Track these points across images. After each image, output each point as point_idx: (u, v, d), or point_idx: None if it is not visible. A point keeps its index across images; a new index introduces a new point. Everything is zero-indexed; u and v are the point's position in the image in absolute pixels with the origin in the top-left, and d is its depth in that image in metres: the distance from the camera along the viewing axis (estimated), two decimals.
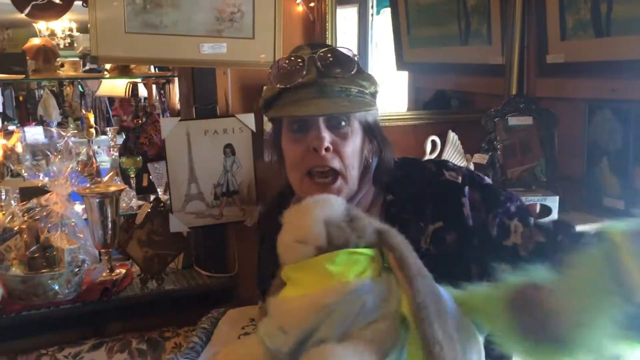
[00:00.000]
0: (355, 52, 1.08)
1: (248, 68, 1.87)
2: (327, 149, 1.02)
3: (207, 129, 1.84)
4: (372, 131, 1.09)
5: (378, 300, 0.73)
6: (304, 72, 1.03)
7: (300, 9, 1.94)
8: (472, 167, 1.88)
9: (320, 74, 1.02)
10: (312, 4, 1.94)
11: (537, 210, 1.81)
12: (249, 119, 1.88)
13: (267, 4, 1.81)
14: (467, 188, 1.08)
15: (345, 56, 1.04)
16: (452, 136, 1.91)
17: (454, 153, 1.87)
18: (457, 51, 2.57)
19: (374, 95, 1.08)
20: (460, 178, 1.10)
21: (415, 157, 1.30)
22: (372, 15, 3.05)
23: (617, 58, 1.89)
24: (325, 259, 0.75)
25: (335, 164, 1.04)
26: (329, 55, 1.03)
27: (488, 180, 1.14)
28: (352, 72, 1.03)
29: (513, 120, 2.02)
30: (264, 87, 1.17)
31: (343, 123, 1.04)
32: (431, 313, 0.70)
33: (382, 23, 3.05)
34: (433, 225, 1.05)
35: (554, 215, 1.81)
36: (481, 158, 1.91)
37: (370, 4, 3.04)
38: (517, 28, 2.18)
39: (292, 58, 1.06)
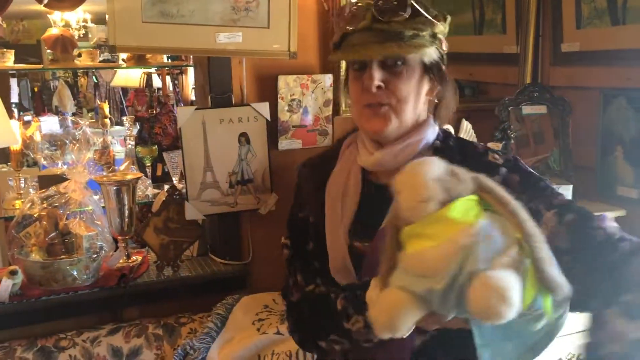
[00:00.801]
0: None
1: (263, 57, 1.88)
2: (378, 87, 1.08)
3: (222, 117, 1.86)
4: (430, 71, 1.11)
5: (500, 232, 0.83)
6: (361, 18, 1.08)
7: None
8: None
9: (374, 20, 1.07)
10: None
11: None
12: (264, 108, 1.90)
13: None
14: (504, 169, 1.13)
15: (397, 2, 1.06)
16: (466, 125, 1.91)
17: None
18: (471, 40, 2.56)
19: (433, 36, 1.09)
20: (501, 160, 1.15)
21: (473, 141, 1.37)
22: None
23: (633, 46, 1.88)
24: (446, 211, 0.83)
25: (388, 99, 1.09)
26: (381, 1, 1.07)
27: (532, 170, 1.16)
28: (406, 16, 1.05)
29: (527, 109, 2.02)
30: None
31: (399, 63, 1.08)
32: (538, 237, 0.82)
33: None
34: None
35: None
36: (494, 146, 1.91)
37: None
38: (532, 17, 2.17)
39: (353, 6, 1.11)
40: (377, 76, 1.07)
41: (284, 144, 1.98)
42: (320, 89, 1.97)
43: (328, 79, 1.97)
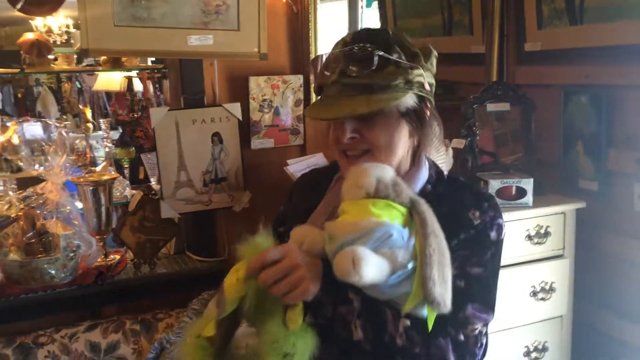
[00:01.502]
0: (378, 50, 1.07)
1: (234, 59, 1.93)
2: (351, 138, 1.10)
3: (195, 118, 1.91)
4: (407, 116, 1.10)
5: (400, 237, 1.00)
6: (329, 73, 1.09)
7: (283, 0, 2.00)
8: (450, 151, 1.95)
9: (341, 74, 1.07)
10: None
11: (513, 192, 1.89)
12: (236, 108, 1.95)
13: None
14: (472, 231, 1.14)
15: (363, 54, 1.05)
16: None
17: (432, 138, 1.93)
18: (441, 41, 2.63)
19: (409, 82, 1.06)
20: (477, 221, 1.14)
21: (466, 181, 1.37)
22: (362, 7, 3.12)
23: (590, 45, 1.95)
24: (370, 202, 1.01)
25: (363, 146, 1.10)
26: (348, 55, 1.06)
27: (498, 236, 1.17)
28: (373, 68, 1.04)
29: (491, 107, 2.08)
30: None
31: (372, 112, 1.07)
32: (433, 260, 0.98)
33: (372, 16, 3.12)
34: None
35: (529, 196, 1.88)
36: (459, 143, 1.98)
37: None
38: (497, 17, 2.24)
39: (330, 54, 1.11)
40: (349, 128, 1.08)
41: (256, 143, 2.04)
42: (291, 89, 2.03)
43: (298, 79, 2.04)
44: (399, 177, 1.09)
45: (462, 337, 1.09)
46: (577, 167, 2.04)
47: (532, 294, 1.92)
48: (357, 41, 1.08)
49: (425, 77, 1.10)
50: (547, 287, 1.94)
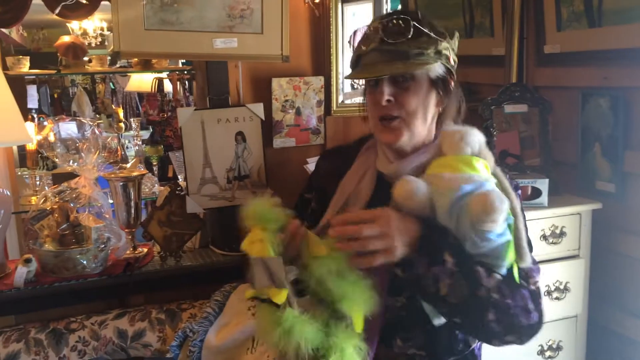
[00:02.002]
0: (419, 17, 1.20)
1: (258, 61, 2.01)
2: (388, 101, 1.19)
3: (220, 117, 1.99)
4: (435, 85, 1.22)
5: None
6: (371, 39, 1.19)
7: (306, 4, 2.07)
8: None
9: (382, 41, 1.17)
10: (317, 0, 2.07)
11: (529, 192, 1.92)
12: (259, 108, 2.03)
13: (275, 1, 1.95)
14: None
15: (402, 25, 1.16)
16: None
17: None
18: (462, 43, 2.64)
19: (438, 52, 1.18)
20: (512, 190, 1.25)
21: None
22: (386, 10, 3.17)
23: (609, 47, 1.97)
24: (474, 159, 1.13)
25: (397, 112, 1.20)
26: (388, 24, 1.17)
27: (520, 202, 1.27)
28: (409, 36, 1.15)
29: (509, 108, 2.12)
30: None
31: (407, 78, 1.19)
32: (522, 219, 1.17)
33: None
34: None
35: (544, 196, 1.91)
36: None
37: (384, 0, 3.17)
38: (516, 20, 2.27)
39: (367, 28, 1.24)
40: (387, 91, 1.18)
41: (278, 142, 2.11)
42: (312, 91, 2.10)
43: (319, 80, 2.10)
44: (418, 153, 1.24)
45: (533, 287, 1.20)
46: (595, 169, 2.05)
47: (546, 293, 1.94)
48: (395, 15, 1.20)
49: (451, 52, 1.23)
50: (562, 287, 1.96)
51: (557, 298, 1.96)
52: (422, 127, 1.22)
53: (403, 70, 1.16)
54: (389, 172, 1.25)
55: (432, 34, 1.17)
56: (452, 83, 1.26)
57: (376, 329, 1.20)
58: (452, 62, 1.24)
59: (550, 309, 1.96)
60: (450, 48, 1.22)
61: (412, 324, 1.23)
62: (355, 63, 1.25)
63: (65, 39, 2.31)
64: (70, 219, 1.97)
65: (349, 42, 1.29)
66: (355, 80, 1.85)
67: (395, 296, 1.21)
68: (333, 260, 1.07)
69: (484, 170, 1.10)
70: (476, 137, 1.13)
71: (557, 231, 1.93)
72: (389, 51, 1.17)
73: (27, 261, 1.89)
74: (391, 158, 1.25)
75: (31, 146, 2.30)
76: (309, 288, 1.08)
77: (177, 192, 2.10)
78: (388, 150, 1.26)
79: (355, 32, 1.27)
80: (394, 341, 1.24)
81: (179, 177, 2.65)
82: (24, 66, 2.43)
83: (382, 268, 1.16)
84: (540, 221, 1.91)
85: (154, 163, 2.50)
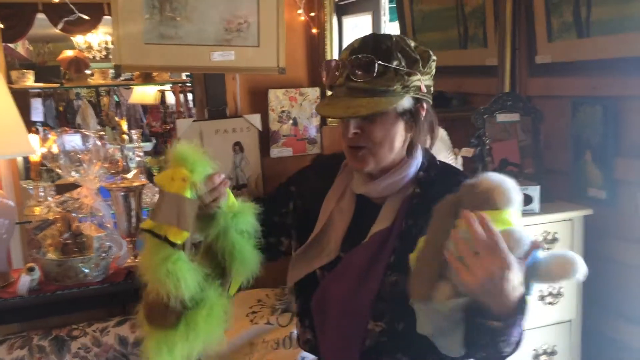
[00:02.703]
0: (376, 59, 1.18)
1: (254, 73, 2.06)
2: (355, 133, 1.21)
3: (217, 128, 2.04)
4: (403, 115, 1.22)
5: None
6: (337, 75, 1.21)
7: (302, 18, 2.13)
8: (460, 160, 2.03)
9: (347, 78, 1.19)
10: (312, 14, 2.13)
11: None
12: (256, 119, 2.08)
13: (271, 15, 2.00)
14: None
15: (366, 63, 1.17)
16: (441, 132, 2.06)
17: (442, 147, 2.02)
18: (457, 54, 2.72)
19: (406, 87, 1.17)
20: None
21: (458, 168, 1.47)
22: (384, 22, 3.23)
23: (597, 57, 2.02)
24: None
25: (364, 142, 1.22)
26: (354, 62, 1.18)
27: None
28: (374, 75, 1.16)
29: (501, 117, 2.16)
30: None
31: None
32: None
33: (396, 29, 3.23)
34: None
35: (536, 203, 1.95)
36: (467, 152, 2.06)
37: (382, 12, 3.23)
38: (508, 31, 2.32)
39: (334, 61, 1.25)
40: (353, 125, 1.20)
41: (275, 152, 2.16)
42: (308, 101, 2.15)
43: (315, 91, 2.15)
44: (387, 177, 1.25)
45: None
46: (586, 176, 2.09)
47: (540, 298, 1.98)
48: (362, 49, 1.20)
49: (423, 80, 1.21)
50: (555, 292, 1.99)
51: (550, 303, 1.99)
52: (389, 154, 1.24)
53: (365, 113, 1.17)
54: (362, 193, 1.28)
55: (399, 69, 1.17)
56: (423, 111, 1.25)
57: (355, 354, 1.23)
58: (423, 90, 1.22)
59: (544, 313, 1.99)
60: (421, 78, 1.20)
61: (392, 349, 1.24)
62: (330, 89, 1.27)
63: (68, 53, 2.38)
64: (73, 229, 2.02)
65: (320, 70, 1.30)
66: None
67: (376, 321, 1.23)
68: (245, 220, 1.13)
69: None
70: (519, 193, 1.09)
71: (550, 237, 1.97)
72: (355, 88, 1.18)
73: (31, 270, 1.94)
74: (363, 179, 1.28)
75: (35, 158, 2.35)
76: (205, 241, 1.13)
77: None
78: (359, 173, 1.29)
79: (329, 61, 1.26)
80: (383, 315, 1.25)
81: None
82: (29, 80, 2.49)
83: (366, 292, 1.21)
84: (532, 227, 1.94)
85: (155, 173, 2.55)
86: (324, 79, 1.25)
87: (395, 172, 1.26)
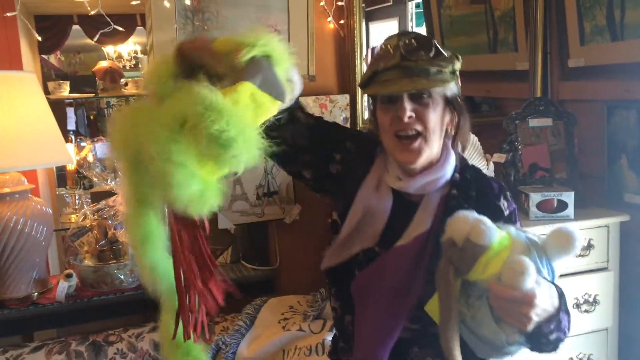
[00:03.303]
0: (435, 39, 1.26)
1: None
2: (409, 117, 1.21)
3: None
4: (451, 103, 1.25)
5: None
6: (391, 57, 1.22)
7: (331, 26, 2.14)
8: (492, 166, 2.01)
9: (402, 58, 1.20)
10: (342, 21, 2.14)
11: (554, 205, 1.93)
12: None
13: (301, 23, 2.02)
14: (502, 221, 1.24)
15: (424, 42, 1.21)
16: (472, 137, 2.05)
17: (474, 153, 2.01)
18: (486, 59, 2.70)
19: (453, 73, 1.21)
20: (507, 212, 1.30)
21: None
22: (411, 27, 3.23)
23: (631, 60, 1.98)
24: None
25: (418, 127, 1.22)
26: (412, 41, 1.21)
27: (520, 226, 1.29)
28: (431, 55, 1.19)
29: (534, 122, 2.14)
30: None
31: (425, 95, 1.21)
32: None
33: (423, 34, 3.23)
34: None
35: (571, 209, 1.92)
36: (499, 157, 2.04)
37: (409, 17, 3.23)
38: (540, 35, 2.30)
39: (382, 46, 1.27)
40: (409, 107, 1.20)
41: None
42: (338, 108, 2.16)
43: (345, 98, 2.16)
44: (433, 171, 1.25)
45: None
46: (622, 181, 2.06)
47: (575, 306, 1.95)
48: (413, 34, 1.24)
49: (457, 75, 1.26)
50: (591, 300, 1.96)
51: (586, 311, 1.96)
52: (438, 145, 1.25)
53: (427, 86, 1.20)
54: (397, 188, 1.27)
55: (448, 54, 1.22)
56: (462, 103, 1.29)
57: (387, 349, 1.22)
58: (459, 84, 1.27)
59: (580, 321, 1.96)
60: (458, 70, 1.25)
61: (423, 353, 1.26)
62: (369, 79, 1.27)
63: (103, 64, 2.43)
64: (109, 236, 2.06)
65: (364, 59, 1.31)
66: None
67: (412, 323, 1.23)
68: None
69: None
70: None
71: (585, 244, 1.94)
72: (409, 68, 1.20)
73: (68, 276, 1.98)
74: (399, 174, 1.27)
75: (71, 167, 2.41)
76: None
77: None
78: (397, 166, 1.27)
79: (372, 49, 1.31)
80: (410, 350, 1.26)
81: None
82: (65, 90, 2.55)
83: (409, 297, 1.20)
84: None
85: None
86: (372, 62, 1.26)
87: (433, 170, 1.25)
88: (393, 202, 1.27)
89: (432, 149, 1.24)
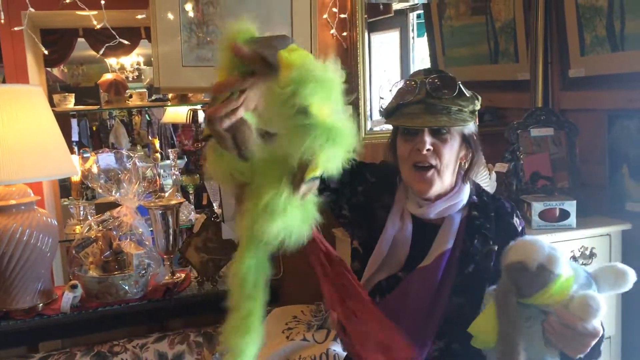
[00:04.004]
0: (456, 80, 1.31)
1: None
2: (427, 150, 1.28)
3: None
4: (467, 141, 1.33)
5: None
6: (416, 92, 1.30)
7: (334, 38, 2.16)
8: (494, 175, 2.03)
9: (427, 95, 1.28)
10: (344, 33, 2.16)
11: (557, 214, 1.94)
12: None
13: (304, 34, 2.05)
14: (518, 235, 1.36)
15: (449, 83, 1.28)
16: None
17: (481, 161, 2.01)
18: (487, 69, 2.73)
19: (472, 112, 1.29)
20: (519, 228, 1.39)
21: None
22: (413, 38, 3.26)
23: (632, 70, 2.00)
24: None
25: (433, 161, 1.29)
26: (437, 80, 1.28)
27: None
28: (453, 95, 1.27)
29: (535, 132, 2.15)
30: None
31: (444, 131, 1.29)
32: None
33: (421, 45, 3.26)
34: (494, 246, 1.33)
35: (573, 218, 1.93)
36: (501, 167, 2.06)
37: (410, 28, 3.26)
38: (540, 45, 2.32)
39: (409, 81, 1.34)
40: (428, 140, 1.27)
41: None
42: None
43: (348, 109, 2.18)
44: (447, 199, 1.32)
45: None
46: (624, 190, 2.07)
47: None
48: (440, 73, 1.31)
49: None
50: None
51: None
52: (451, 177, 1.32)
53: (447, 124, 1.26)
54: (419, 215, 1.34)
55: (470, 95, 1.29)
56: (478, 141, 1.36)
57: (434, 328, 1.27)
58: (477, 122, 1.35)
59: None
60: (477, 109, 1.33)
61: (449, 357, 1.29)
62: (393, 110, 1.33)
63: (108, 76, 2.45)
64: (113, 247, 2.07)
65: (390, 90, 1.37)
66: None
67: (437, 339, 1.27)
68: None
69: None
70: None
71: (587, 252, 1.95)
72: (432, 105, 1.27)
73: (73, 287, 1.99)
74: (419, 202, 1.33)
75: (75, 178, 2.43)
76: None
77: (213, 219, 2.18)
78: (416, 194, 1.34)
79: (397, 82, 1.37)
80: (444, 335, 1.29)
81: (214, 204, 2.74)
82: (70, 103, 2.58)
83: (435, 315, 1.25)
84: (569, 243, 1.93)
85: (191, 191, 2.60)
86: (398, 94, 1.32)
87: (452, 196, 1.33)
88: (415, 227, 1.34)
89: (444, 182, 1.31)
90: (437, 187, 1.30)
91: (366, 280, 1.33)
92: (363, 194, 1.38)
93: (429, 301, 1.26)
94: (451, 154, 1.29)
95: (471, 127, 1.31)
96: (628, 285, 1.11)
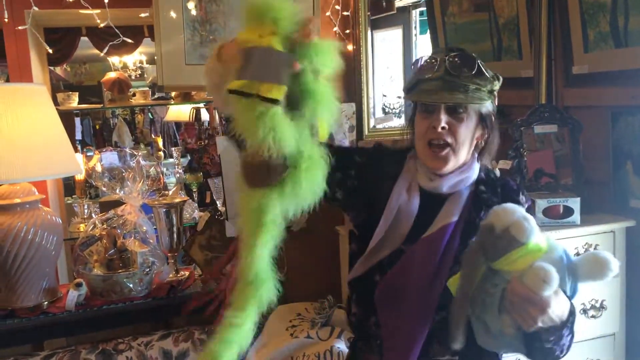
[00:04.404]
0: (478, 58, 1.32)
1: None
2: (443, 128, 1.28)
3: None
4: (484, 120, 1.33)
5: None
6: (435, 69, 1.30)
7: (337, 35, 2.16)
8: (497, 172, 2.02)
9: (446, 72, 1.28)
10: (347, 31, 2.16)
11: (560, 211, 1.94)
12: None
13: None
14: None
15: (468, 61, 1.29)
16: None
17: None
18: (491, 66, 2.68)
19: (491, 92, 1.30)
20: (525, 206, 1.39)
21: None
22: (415, 35, 3.26)
23: (636, 66, 1.99)
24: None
25: (449, 139, 1.29)
26: (456, 59, 1.29)
27: None
28: (472, 73, 1.27)
29: (539, 129, 2.15)
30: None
31: (460, 110, 1.29)
32: None
33: (424, 42, 3.26)
34: None
35: (577, 215, 1.93)
36: (505, 164, 2.05)
37: (413, 26, 3.26)
38: (544, 42, 2.31)
39: (429, 58, 1.34)
40: (444, 119, 1.28)
41: None
42: (344, 117, 2.18)
43: (351, 107, 2.18)
44: (458, 173, 1.33)
45: None
46: (628, 187, 2.06)
47: (582, 312, 1.95)
48: (461, 51, 1.31)
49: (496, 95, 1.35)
50: (598, 305, 1.96)
51: (593, 316, 1.96)
52: (465, 155, 1.32)
53: (463, 102, 1.27)
54: (429, 189, 1.34)
55: (489, 74, 1.31)
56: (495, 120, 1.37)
57: (419, 342, 1.26)
58: (496, 102, 1.36)
59: (587, 327, 1.96)
60: (497, 90, 1.34)
61: (446, 338, 1.28)
62: (413, 86, 1.34)
63: (111, 74, 2.46)
64: (118, 245, 2.08)
65: (412, 66, 1.38)
66: (389, 105, 1.91)
67: (440, 310, 1.27)
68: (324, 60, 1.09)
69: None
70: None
71: (591, 249, 1.94)
72: (450, 82, 1.27)
73: (78, 285, 2.00)
74: (431, 175, 1.34)
75: (79, 176, 2.43)
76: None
77: (216, 217, 2.19)
78: (428, 169, 1.35)
79: (419, 59, 1.38)
80: (430, 347, 1.30)
81: (217, 202, 2.74)
82: (73, 101, 2.58)
83: (437, 284, 1.25)
84: (573, 240, 1.92)
85: (194, 190, 2.60)
86: (418, 71, 1.33)
87: (464, 170, 1.33)
88: (420, 202, 1.34)
89: (458, 159, 1.31)
90: (451, 165, 1.30)
91: (368, 256, 1.32)
92: (356, 178, 1.38)
93: (432, 272, 1.26)
94: (467, 133, 1.29)
95: (488, 106, 1.32)
96: (610, 274, 1.08)
